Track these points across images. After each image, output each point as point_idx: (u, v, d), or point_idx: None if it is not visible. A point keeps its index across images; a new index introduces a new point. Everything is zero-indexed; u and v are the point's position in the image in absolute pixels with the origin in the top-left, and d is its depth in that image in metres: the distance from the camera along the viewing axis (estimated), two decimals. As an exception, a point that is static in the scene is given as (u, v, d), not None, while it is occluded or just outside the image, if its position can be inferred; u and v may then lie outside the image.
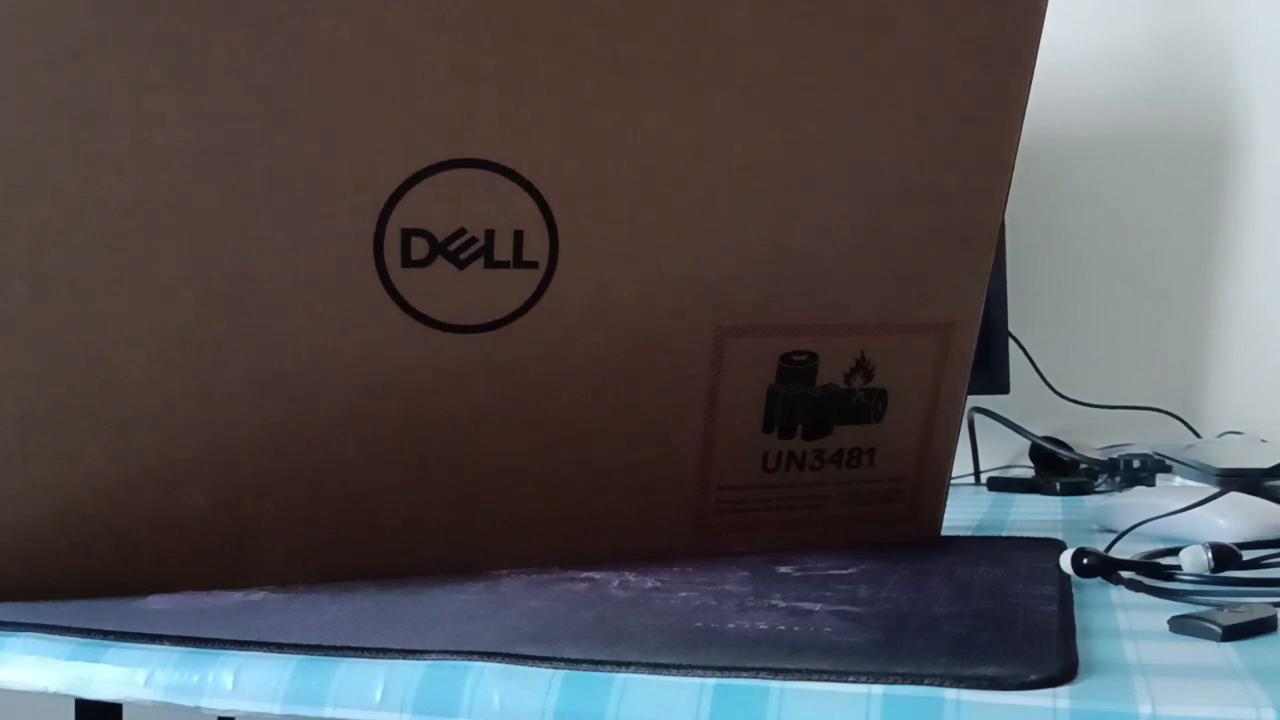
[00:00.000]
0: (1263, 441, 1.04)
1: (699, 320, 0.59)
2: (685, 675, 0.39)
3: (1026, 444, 1.12)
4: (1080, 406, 1.21)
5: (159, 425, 0.53)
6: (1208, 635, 0.42)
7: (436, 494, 0.58)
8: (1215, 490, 0.66)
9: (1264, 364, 1.19)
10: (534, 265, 0.55)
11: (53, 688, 0.46)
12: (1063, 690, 0.36)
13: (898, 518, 0.67)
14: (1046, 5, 0.58)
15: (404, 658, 0.42)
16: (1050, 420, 1.21)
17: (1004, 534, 0.71)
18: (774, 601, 0.49)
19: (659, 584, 0.54)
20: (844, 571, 0.56)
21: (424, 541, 0.59)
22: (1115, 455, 1.01)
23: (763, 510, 0.64)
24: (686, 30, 0.53)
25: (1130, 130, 1.24)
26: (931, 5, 0.56)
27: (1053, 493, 0.99)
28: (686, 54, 0.54)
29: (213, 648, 0.45)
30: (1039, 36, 0.58)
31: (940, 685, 0.36)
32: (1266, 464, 0.75)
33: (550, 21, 0.52)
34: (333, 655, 0.43)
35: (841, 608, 0.48)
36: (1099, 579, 0.53)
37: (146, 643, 0.46)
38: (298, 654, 0.44)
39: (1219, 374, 1.21)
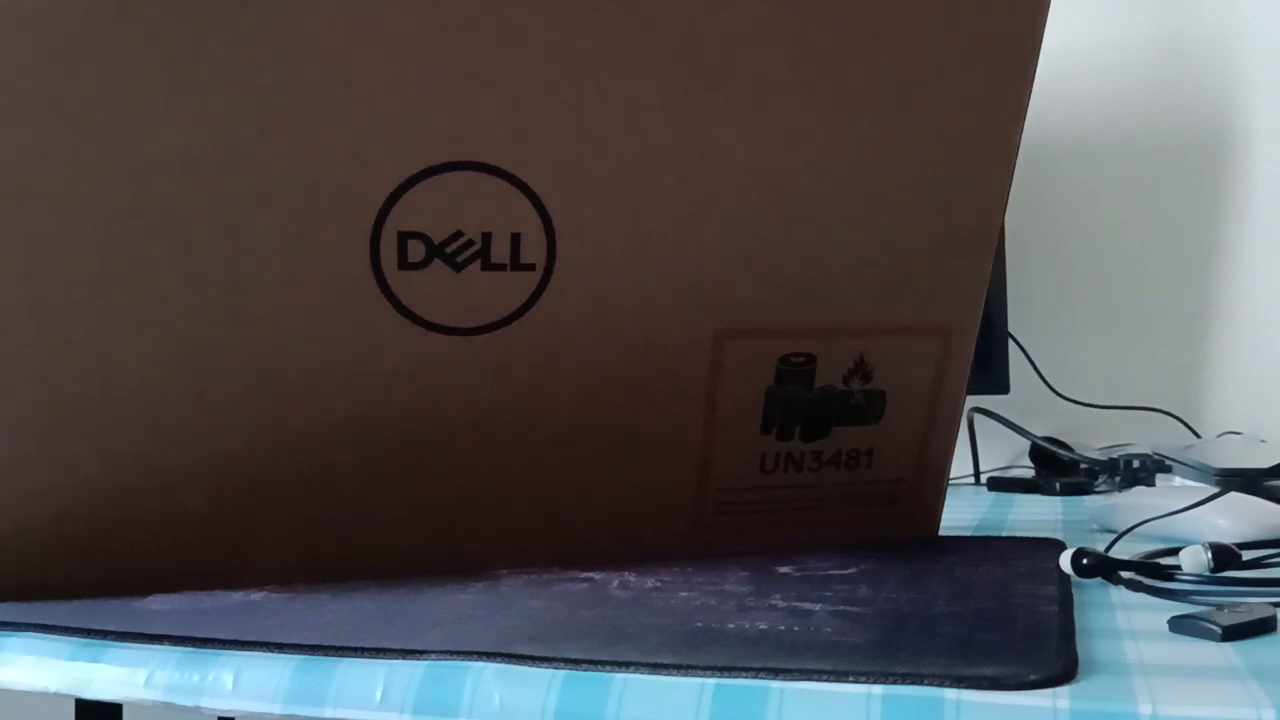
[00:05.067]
0: (1262, 441, 1.04)
1: (697, 323, 0.59)
2: (685, 675, 0.39)
3: (1026, 444, 1.12)
4: (1080, 406, 1.21)
5: (155, 429, 0.53)
6: (1208, 635, 0.42)
7: (435, 496, 0.58)
8: (1215, 490, 0.66)
9: (1264, 364, 1.19)
10: (531, 268, 0.55)
11: (53, 688, 0.46)
12: (1063, 690, 0.36)
13: (896, 518, 0.67)
14: (1048, 9, 0.58)
15: (404, 658, 0.43)
16: (1050, 420, 1.21)
17: (1004, 534, 0.71)
18: (774, 601, 0.49)
19: (659, 584, 0.54)
20: (844, 571, 0.56)
21: (423, 542, 0.59)
22: (1115, 455, 1.01)
23: (761, 511, 0.64)
24: (688, 33, 0.53)
25: (1130, 130, 1.24)
26: (933, 9, 0.56)
27: (1053, 493, 0.99)
28: (688, 57, 0.54)
29: (213, 648, 0.45)
30: (1040, 40, 0.58)
31: (940, 685, 0.36)
32: (1266, 464, 0.75)
33: (550, 23, 0.52)
34: (333, 655, 0.43)
35: (841, 608, 0.48)
36: (1099, 579, 0.53)
37: (146, 643, 0.46)
38: (298, 654, 0.44)
39: (1219, 374, 1.21)
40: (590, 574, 0.57)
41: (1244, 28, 1.21)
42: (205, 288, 0.52)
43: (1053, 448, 1.07)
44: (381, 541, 0.58)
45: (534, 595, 0.52)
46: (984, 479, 1.13)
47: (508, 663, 0.41)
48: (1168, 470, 0.90)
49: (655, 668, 0.39)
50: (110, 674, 0.45)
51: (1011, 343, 1.21)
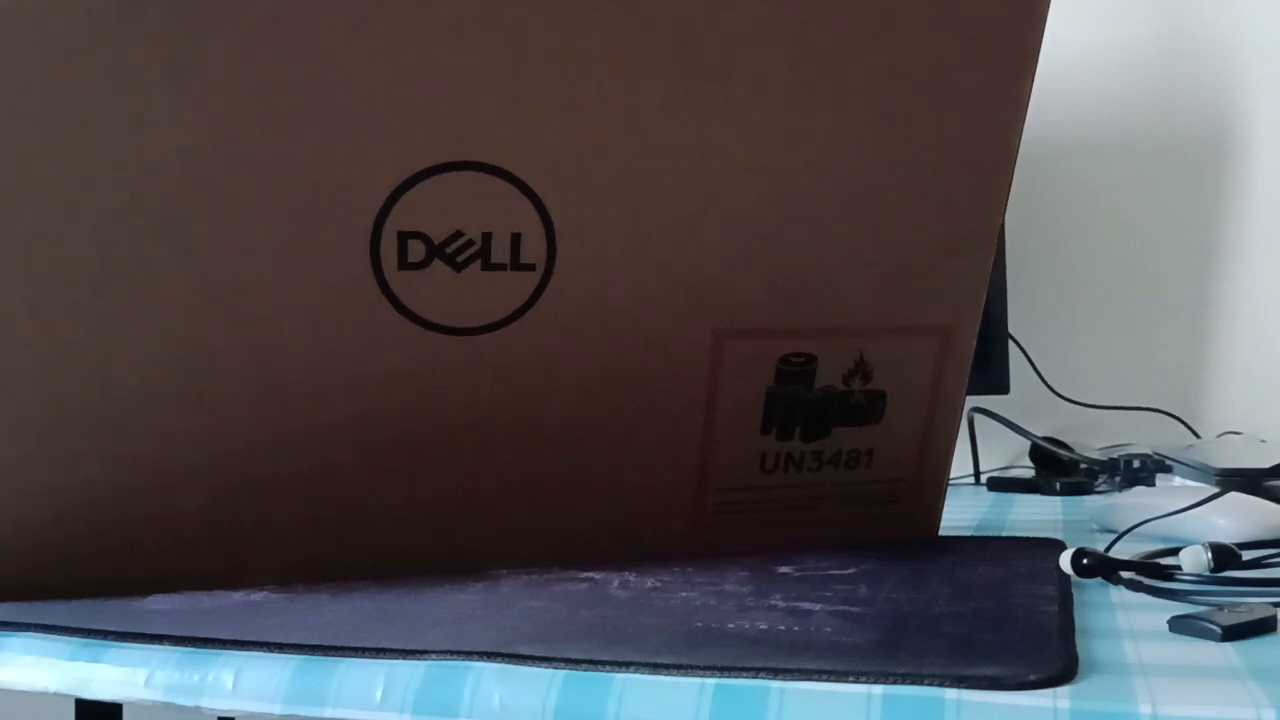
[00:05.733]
0: (1262, 441, 1.04)
1: (697, 323, 0.59)
2: (685, 675, 0.39)
3: (1026, 444, 1.12)
4: (1080, 406, 1.21)
5: (155, 430, 0.53)
6: (1208, 635, 0.42)
7: (435, 495, 0.58)
8: (1215, 490, 0.66)
9: (1264, 364, 1.19)
10: (531, 268, 0.55)
11: (53, 688, 0.46)
12: (1063, 690, 0.36)
13: (896, 518, 0.67)
14: (1048, 8, 0.58)
15: (404, 658, 0.42)
16: (1050, 420, 1.21)
17: (1004, 534, 0.71)
18: (774, 601, 0.49)
19: (659, 584, 0.54)
20: (844, 571, 0.56)
21: (423, 542, 0.59)
22: (1115, 455, 1.01)
23: (761, 511, 0.64)
24: (688, 32, 0.53)
25: (1130, 130, 1.24)
26: (933, 8, 0.56)
27: (1053, 493, 0.99)
28: (688, 57, 0.54)
29: (213, 648, 0.45)
30: (1040, 40, 0.58)
31: (940, 685, 0.36)
32: (1266, 464, 0.75)
33: (550, 23, 0.52)
34: (333, 655, 0.43)
35: (841, 608, 0.48)
36: (1099, 579, 0.53)
37: (146, 643, 0.46)
38: (298, 654, 0.44)
39: (1219, 374, 1.21)
40: (590, 574, 0.57)
41: (1244, 28, 1.21)
42: (205, 288, 0.52)
43: (1053, 448, 1.06)
44: (381, 541, 0.58)
45: (534, 595, 0.52)
46: (984, 479, 1.13)
47: (508, 663, 0.41)
48: (1168, 470, 0.90)
49: (655, 668, 0.39)
50: (110, 674, 0.45)
51: (1011, 343, 1.21)
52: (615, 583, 0.55)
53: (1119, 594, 0.51)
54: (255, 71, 0.50)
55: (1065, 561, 0.52)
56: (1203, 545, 0.51)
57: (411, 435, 0.57)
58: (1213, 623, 0.42)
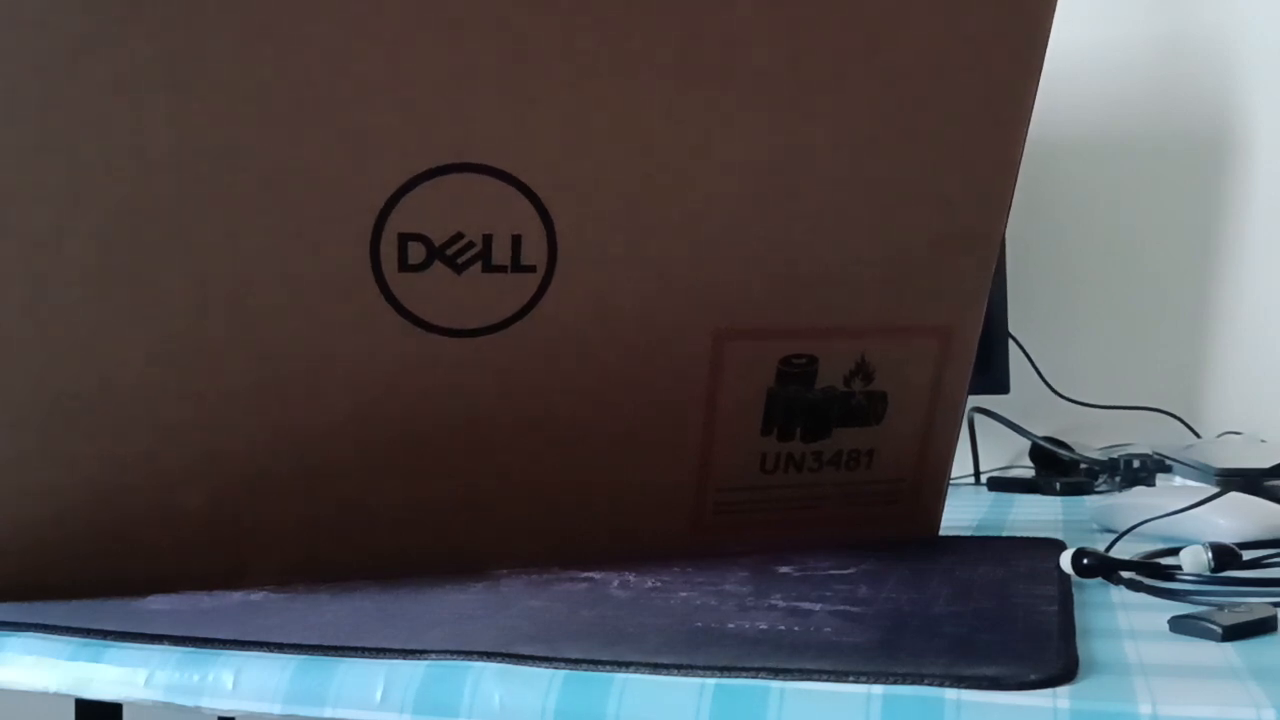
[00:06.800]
0: (1262, 441, 1.04)
1: (698, 323, 0.59)
2: (685, 675, 0.39)
3: (1026, 444, 1.12)
4: (1080, 406, 1.21)
5: (155, 429, 0.53)
6: (1208, 635, 0.42)
7: (435, 496, 0.58)
8: (1215, 490, 0.66)
9: (1264, 364, 1.19)
10: (532, 269, 0.55)
11: (53, 688, 0.46)
12: (1063, 690, 0.36)
13: (896, 518, 0.67)
14: (1054, 7, 0.58)
15: (404, 658, 0.43)
16: (1050, 420, 1.21)
17: (1004, 534, 0.71)
18: (774, 601, 0.49)
19: (659, 584, 0.54)
20: (844, 571, 0.56)
21: (423, 542, 0.59)
22: (1115, 455, 1.01)
23: (761, 511, 0.64)
24: (687, 32, 0.53)
25: (1130, 130, 1.24)
26: (936, 7, 0.56)
27: (1053, 493, 0.99)
28: (687, 56, 0.54)
29: (213, 648, 0.45)
30: (1046, 39, 0.58)
31: (940, 685, 0.36)
32: (1266, 464, 0.75)
33: (549, 23, 0.52)
34: (333, 655, 0.43)
35: (841, 608, 0.48)
36: (1099, 579, 0.53)
37: (146, 643, 0.46)
38: (298, 654, 0.44)
39: (1219, 374, 1.21)
40: (590, 574, 0.57)
41: (1244, 28, 1.21)
42: (205, 287, 0.52)
43: (1053, 448, 1.06)
44: (381, 541, 0.58)
45: (534, 595, 0.52)
46: (984, 479, 1.13)
47: (508, 663, 0.41)
48: (1168, 470, 0.90)
49: (655, 668, 0.39)
50: (110, 674, 0.45)
51: (1011, 343, 1.21)
52: (615, 583, 0.55)
53: (1119, 594, 0.51)
54: (255, 71, 0.50)
55: (1065, 561, 0.52)
56: (1203, 545, 0.51)
57: (411, 435, 0.57)
58: (1213, 623, 0.42)
